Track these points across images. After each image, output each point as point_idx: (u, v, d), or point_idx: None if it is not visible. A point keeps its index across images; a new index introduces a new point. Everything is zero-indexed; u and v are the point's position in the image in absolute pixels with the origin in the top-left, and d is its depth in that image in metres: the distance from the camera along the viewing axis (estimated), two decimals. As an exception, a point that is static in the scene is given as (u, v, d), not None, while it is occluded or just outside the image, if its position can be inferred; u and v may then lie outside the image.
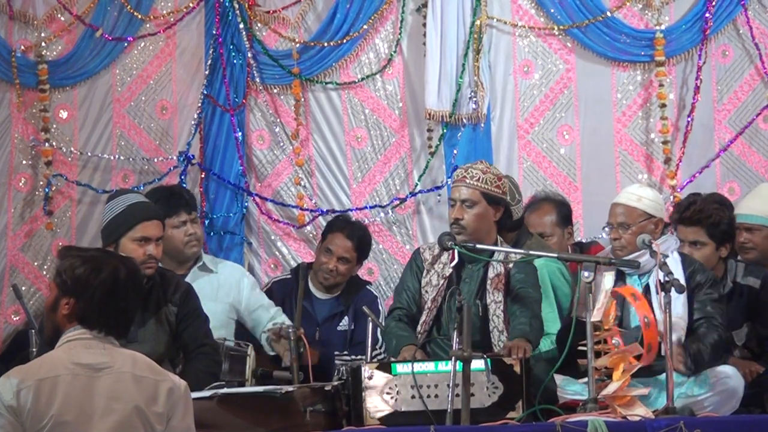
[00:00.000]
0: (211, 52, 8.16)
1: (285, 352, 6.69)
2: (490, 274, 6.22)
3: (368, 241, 7.45)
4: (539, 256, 6.47)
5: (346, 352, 7.11)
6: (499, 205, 6.29)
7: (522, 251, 6.34)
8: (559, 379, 5.96)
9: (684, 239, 6.57)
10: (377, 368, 5.69)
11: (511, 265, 6.21)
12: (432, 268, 6.31)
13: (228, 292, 7.06)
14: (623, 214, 6.20)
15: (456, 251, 6.23)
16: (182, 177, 8.05)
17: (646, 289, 6.10)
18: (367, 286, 7.42)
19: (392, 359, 6.02)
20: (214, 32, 8.15)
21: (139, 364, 4.26)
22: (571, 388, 5.98)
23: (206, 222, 8.04)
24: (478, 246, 6.19)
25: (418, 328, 6.21)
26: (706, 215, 6.59)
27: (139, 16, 8.13)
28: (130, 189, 6.90)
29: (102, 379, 4.17)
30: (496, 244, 6.31)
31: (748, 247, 6.83)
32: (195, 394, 5.56)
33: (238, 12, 8.16)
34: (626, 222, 6.18)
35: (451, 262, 6.25)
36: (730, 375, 6.01)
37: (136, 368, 4.24)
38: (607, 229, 6.29)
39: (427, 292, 6.28)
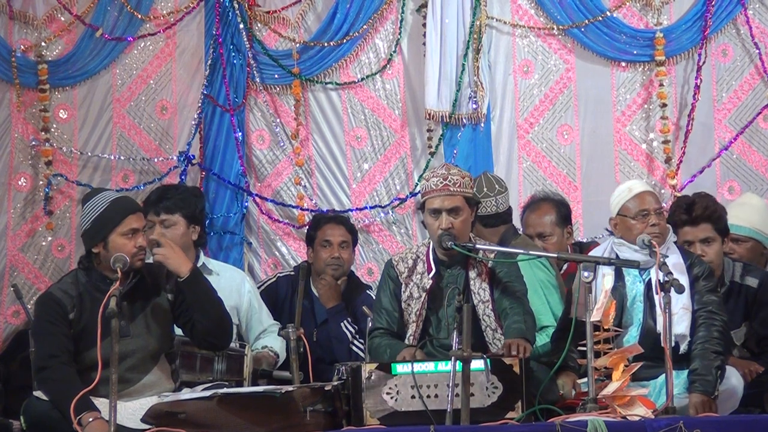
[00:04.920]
0: (211, 52, 8.17)
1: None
2: (472, 275, 6.20)
3: (353, 224, 7.63)
4: (539, 256, 6.47)
5: (357, 336, 7.17)
6: (475, 207, 6.29)
7: (521, 251, 6.33)
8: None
9: (693, 239, 6.56)
10: (377, 368, 5.69)
11: (490, 263, 6.20)
12: (410, 281, 6.25)
13: (230, 294, 7.04)
14: (655, 201, 6.23)
15: (431, 260, 6.21)
16: (182, 177, 8.06)
17: (648, 286, 6.10)
18: (368, 291, 7.42)
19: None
20: (214, 32, 8.16)
21: None
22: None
23: (206, 222, 8.03)
24: (478, 246, 6.18)
25: (406, 341, 6.19)
26: (712, 211, 6.61)
27: (139, 16, 8.14)
28: (103, 188, 6.81)
29: None
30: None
31: (732, 258, 6.83)
32: (195, 394, 5.59)
33: (238, 12, 8.17)
34: (661, 207, 6.23)
35: (429, 273, 6.23)
36: (729, 375, 6.02)
37: None
38: (637, 219, 6.17)
39: (409, 305, 6.23)
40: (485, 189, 6.86)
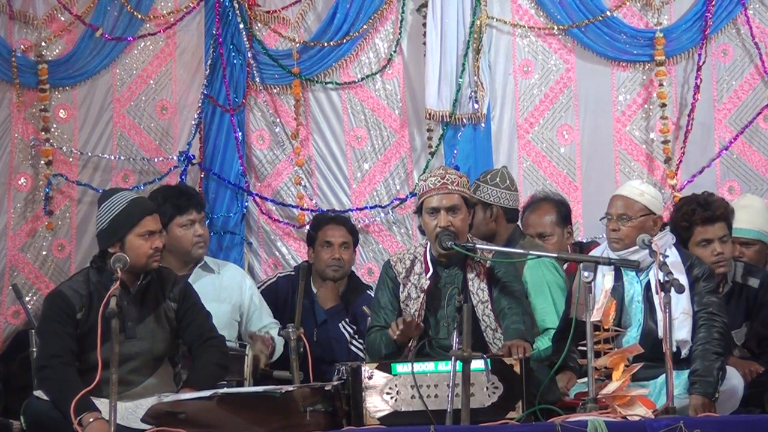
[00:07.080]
0: (211, 52, 8.17)
1: (261, 356, 6.72)
2: (470, 275, 6.20)
3: (353, 225, 7.63)
4: (539, 256, 6.47)
5: (356, 336, 7.17)
6: (473, 209, 6.29)
7: (522, 251, 6.34)
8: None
9: (713, 237, 6.51)
10: (377, 368, 5.68)
11: (489, 264, 6.20)
12: (408, 281, 6.26)
13: (231, 293, 7.07)
14: (624, 206, 6.16)
15: (429, 260, 6.22)
16: (182, 177, 8.06)
17: (647, 287, 6.10)
18: (368, 291, 7.42)
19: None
20: (214, 32, 8.16)
21: None
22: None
23: (206, 222, 8.03)
24: (479, 246, 6.18)
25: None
26: (728, 210, 6.60)
27: (139, 16, 8.14)
28: (120, 188, 6.85)
29: None
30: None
31: (735, 259, 6.80)
32: (195, 394, 5.59)
33: (238, 12, 8.17)
34: (626, 214, 6.14)
35: (426, 273, 6.23)
36: (729, 375, 6.01)
37: None
38: (604, 220, 6.24)
39: (407, 306, 6.23)
40: (516, 184, 6.95)
